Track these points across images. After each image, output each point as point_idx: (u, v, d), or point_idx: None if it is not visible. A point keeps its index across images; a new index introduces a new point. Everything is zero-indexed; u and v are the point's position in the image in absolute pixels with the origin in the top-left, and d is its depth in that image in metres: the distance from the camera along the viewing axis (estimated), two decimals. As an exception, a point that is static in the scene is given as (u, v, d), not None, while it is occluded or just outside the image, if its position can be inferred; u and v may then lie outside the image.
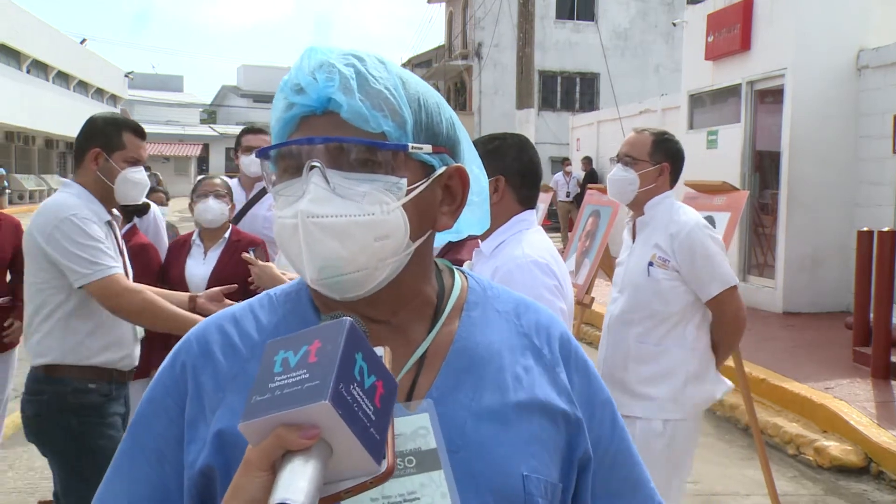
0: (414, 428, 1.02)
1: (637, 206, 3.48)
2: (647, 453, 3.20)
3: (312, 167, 1.00)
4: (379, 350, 0.91)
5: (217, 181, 4.25)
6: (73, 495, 3.09)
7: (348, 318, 0.87)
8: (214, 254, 4.10)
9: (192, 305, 3.26)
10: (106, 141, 3.14)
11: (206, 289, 3.81)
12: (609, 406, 1.19)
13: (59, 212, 3.01)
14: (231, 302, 3.22)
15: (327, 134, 1.01)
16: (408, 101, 1.04)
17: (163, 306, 3.03)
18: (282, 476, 0.80)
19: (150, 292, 3.09)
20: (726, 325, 3.38)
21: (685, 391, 3.32)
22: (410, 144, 1.03)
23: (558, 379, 1.14)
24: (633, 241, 3.51)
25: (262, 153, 1.07)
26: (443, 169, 1.09)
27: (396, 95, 1.03)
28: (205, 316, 3.14)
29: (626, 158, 3.44)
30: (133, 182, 3.18)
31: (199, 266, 4.06)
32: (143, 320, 3.08)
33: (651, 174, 3.40)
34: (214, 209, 4.07)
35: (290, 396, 0.82)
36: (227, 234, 4.15)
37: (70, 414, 3.04)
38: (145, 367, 3.60)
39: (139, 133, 3.24)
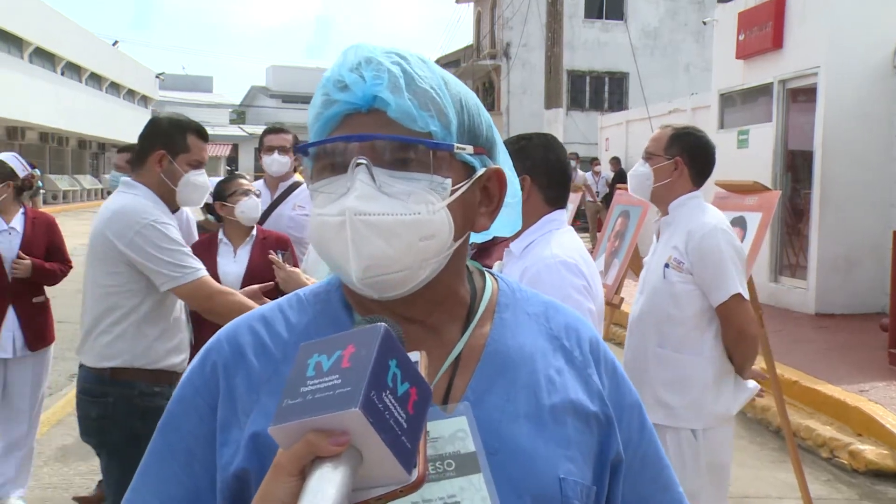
0: (452, 431, 1.02)
1: (660, 203, 3.44)
2: (680, 462, 3.16)
3: (359, 164, 0.99)
4: (414, 355, 0.90)
5: (246, 181, 4.29)
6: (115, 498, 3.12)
7: (383, 323, 0.86)
8: (244, 251, 4.14)
9: None
10: (170, 143, 3.14)
11: (241, 287, 3.85)
12: (637, 408, 1.18)
13: (139, 217, 3.00)
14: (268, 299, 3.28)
15: (373, 132, 0.99)
16: (451, 101, 1.04)
17: (251, 307, 3.05)
18: (310, 482, 0.80)
19: (239, 294, 3.14)
20: (732, 335, 3.23)
21: (703, 401, 3.23)
22: (455, 144, 1.03)
23: (590, 380, 1.13)
24: (657, 241, 3.47)
25: (303, 149, 1.05)
26: (483, 170, 1.08)
27: (441, 95, 1.02)
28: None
29: (645, 153, 3.43)
30: (195, 185, 3.18)
31: (231, 264, 4.10)
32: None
33: (665, 169, 3.34)
34: (258, 207, 4.18)
35: (322, 402, 0.81)
36: (253, 233, 4.20)
37: (136, 417, 3.04)
38: None
39: (202, 135, 3.23)
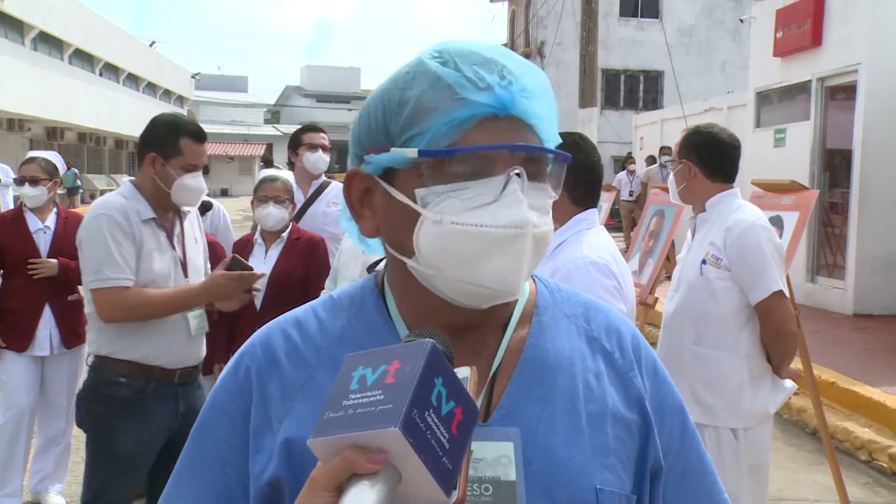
0: (496, 455, 0.99)
1: (691, 204, 3.44)
2: (720, 462, 3.12)
3: (517, 174, 0.95)
4: (464, 371, 0.87)
5: (279, 184, 4.17)
6: (86, 478, 3.18)
7: (430, 340, 0.83)
8: (274, 252, 4.14)
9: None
10: (162, 147, 3.12)
11: (267, 288, 3.86)
12: (679, 412, 1.13)
13: (100, 208, 3.05)
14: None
15: (517, 141, 0.96)
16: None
17: (149, 312, 3.05)
18: (345, 499, 0.78)
19: (143, 303, 3.03)
20: (770, 333, 3.19)
21: (740, 400, 3.19)
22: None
23: (631, 384, 1.09)
24: (692, 238, 3.44)
25: (449, 152, 0.96)
26: None
27: (553, 104, 1.01)
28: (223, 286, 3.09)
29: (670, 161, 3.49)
30: (189, 188, 3.14)
31: (259, 265, 4.09)
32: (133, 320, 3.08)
33: (681, 172, 3.38)
34: (275, 216, 4.08)
35: (362, 417, 0.79)
36: (286, 234, 4.18)
37: (99, 402, 3.09)
38: (208, 364, 3.65)
39: (198, 137, 3.17)
